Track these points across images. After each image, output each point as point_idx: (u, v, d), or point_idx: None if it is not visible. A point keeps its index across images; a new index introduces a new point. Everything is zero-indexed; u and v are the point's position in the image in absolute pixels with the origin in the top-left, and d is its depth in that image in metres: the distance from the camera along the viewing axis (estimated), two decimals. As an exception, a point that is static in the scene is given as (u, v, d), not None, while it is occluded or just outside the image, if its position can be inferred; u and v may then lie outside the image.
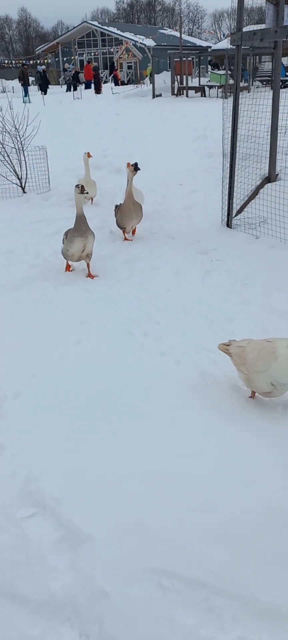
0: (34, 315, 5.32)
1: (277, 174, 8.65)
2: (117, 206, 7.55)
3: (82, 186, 6.09)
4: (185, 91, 29.91)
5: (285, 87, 22.72)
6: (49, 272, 6.41)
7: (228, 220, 7.77)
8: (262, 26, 8.63)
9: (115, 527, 2.80)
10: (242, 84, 23.49)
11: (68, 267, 6.44)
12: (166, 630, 2.33)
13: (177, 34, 44.90)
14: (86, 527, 2.80)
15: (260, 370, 3.64)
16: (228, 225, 7.75)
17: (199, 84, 32.15)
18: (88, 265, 6.30)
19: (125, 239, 7.56)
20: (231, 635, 2.31)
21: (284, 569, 2.56)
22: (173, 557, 2.63)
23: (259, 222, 7.53)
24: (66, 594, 2.50)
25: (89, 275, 6.25)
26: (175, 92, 30.73)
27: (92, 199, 9.28)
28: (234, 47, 7.12)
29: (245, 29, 7.42)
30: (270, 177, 8.54)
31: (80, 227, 6.08)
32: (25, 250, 7.16)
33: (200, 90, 30.59)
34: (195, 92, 30.44)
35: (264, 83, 28.96)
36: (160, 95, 30.30)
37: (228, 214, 7.77)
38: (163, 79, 34.95)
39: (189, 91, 29.87)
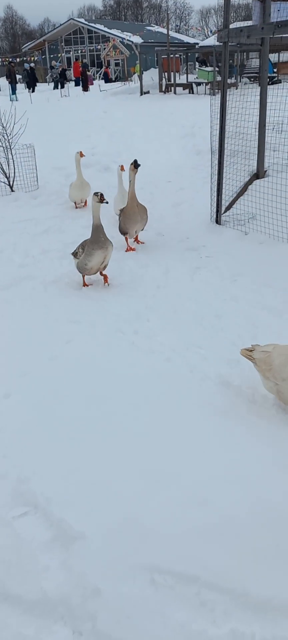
0: (23, 315, 5.31)
1: (266, 170, 8.68)
2: (120, 212, 7.11)
3: (102, 194, 5.60)
4: (172, 88, 29.92)
5: (272, 83, 22.83)
6: (38, 271, 6.39)
7: (217, 216, 7.80)
8: (249, 23, 8.66)
9: (108, 525, 2.81)
10: (230, 81, 23.58)
11: (85, 283, 5.95)
12: (159, 626, 2.34)
13: (164, 30, 44.92)
14: (78, 526, 2.80)
15: None
16: (217, 221, 7.78)
17: (187, 81, 32.20)
18: (101, 272, 5.94)
19: (128, 248, 7.01)
20: (223, 628, 2.33)
21: (275, 563, 2.58)
22: (166, 553, 2.64)
23: (248, 218, 7.57)
24: (59, 592, 2.50)
25: (105, 279, 5.94)
26: (163, 89, 30.74)
27: (85, 202, 9.11)
28: (221, 43, 7.14)
29: (232, 26, 7.44)
30: (259, 174, 8.58)
31: (99, 239, 5.63)
32: (13, 250, 7.14)
33: (188, 87, 30.62)
34: (183, 89, 30.46)
35: (252, 80, 29.04)
36: (148, 92, 30.29)
37: (217, 211, 7.80)
38: (151, 76, 34.98)
39: (177, 88, 29.89)
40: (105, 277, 5.94)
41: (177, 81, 31.27)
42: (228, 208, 8.11)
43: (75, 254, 5.85)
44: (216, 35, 7.49)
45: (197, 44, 48.74)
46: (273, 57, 28.14)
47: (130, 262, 6.56)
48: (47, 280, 6.09)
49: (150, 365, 4.33)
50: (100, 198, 5.56)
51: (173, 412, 3.72)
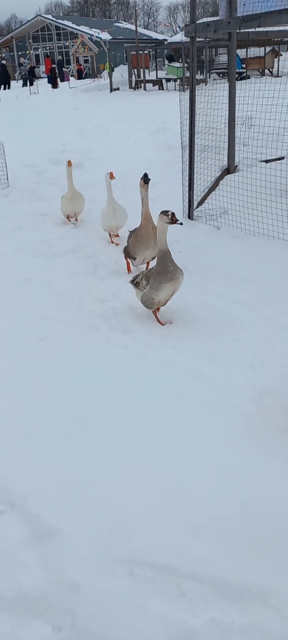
0: (-4, 314, 5.24)
1: (236, 165, 8.76)
2: (131, 233, 6.10)
3: (173, 213, 4.53)
4: (142, 84, 29.91)
5: (241, 79, 23.02)
6: (9, 268, 6.33)
7: (189, 212, 7.84)
8: (216, 18, 8.72)
9: (85, 520, 2.81)
10: (199, 77, 23.61)
11: (160, 320, 4.99)
12: (138, 618, 2.35)
13: (133, 27, 44.83)
14: (55, 522, 2.79)
15: None
16: (190, 217, 7.82)
17: (157, 77, 32.21)
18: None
19: (129, 270, 6.19)
20: (202, 617, 2.35)
21: (252, 552, 2.61)
22: (144, 546, 2.65)
23: (220, 213, 7.63)
24: (37, 589, 2.49)
25: (158, 321, 4.97)
26: (133, 86, 30.71)
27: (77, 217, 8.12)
28: (189, 39, 7.17)
29: (199, 22, 7.48)
30: (230, 169, 8.65)
31: (168, 268, 4.67)
32: (-15, 248, 7.04)
33: (158, 83, 30.65)
34: (153, 86, 30.48)
35: (221, 75, 29.26)
36: (117, 89, 30.19)
37: (190, 206, 7.84)
38: (121, 72, 34.91)
39: (147, 84, 29.89)
40: (157, 309, 5.00)
41: (147, 77, 31.26)
42: (200, 203, 8.16)
43: (136, 284, 5.00)
44: (184, 30, 7.51)
45: (166, 40, 48.79)
46: (242, 53, 28.40)
47: (103, 258, 6.55)
48: (20, 278, 6.03)
49: (126, 361, 4.33)
50: (172, 218, 4.53)
51: (151, 407, 3.73)
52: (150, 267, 5.71)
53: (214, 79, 26.81)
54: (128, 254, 6.04)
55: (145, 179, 5.70)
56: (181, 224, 4.61)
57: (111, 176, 6.74)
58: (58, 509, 2.88)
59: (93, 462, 3.23)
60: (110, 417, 3.63)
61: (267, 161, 8.48)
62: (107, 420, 3.60)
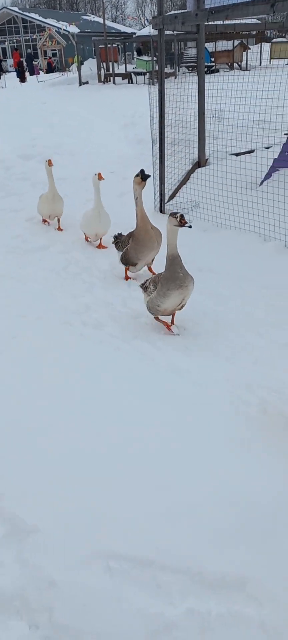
0: None
1: (207, 159, 8.81)
2: (116, 237, 5.89)
3: (182, 215, 4.30)
4: (112, 78, 29.81)
5: (210, 72, 23.15)
6: (-20, 266, 6.24)
7: (161, 205, 7.86)
8: (185, 11, 8.73)
9: (61, 516, 2.79)
10: (168, 70, 23.61)
11: (158, 319, 4.80)
12: (115, 612, 2.36)
13: (101, 20, 44.53)
14: (31, 519, 2.77)
15: None
16: (161, 210, 7.84)
17: (126, 71, 32.17)
18: (173, 314, 4.74)
19: (127, 277, 5.78)
20: (179, 608, 2.36)
21: (228, 540, 2.64)
22: (120, 540, 2.66)
23: (191, 206, 7.67)
24: (14, 587, 2.47)
25: (171, 324, 4.73)
26: (102, 79, 30.59)
27: (59, 220, 7.58)
28: (157, 31, 7.17)
29: (167, 14, 7.49)
30: (200, 162, 8.70)
31: (177, 274, 4.41)
32: None
33: (127, 76, 30.61)
34: (122, 79, 30.44)
35: (190, 69, 29.36)
36: (86, 82, 30.04)
37: (161, 200, 7.86)
38: (89, 66, 34.74)
39: (116, 78, 29.81)
40: (172, 321, 4.75)
41: (116, 71, 31.19)
42: (172, 197, 8.19)
43: (144, 288, 4.77)
44: (152, 23, 7.50)
45: (134, 33, 48.64)
46: (211, 46, 28.54)
47: (76, 254, 6.50)
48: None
49: (100, 355, 4.32)
50: (180, 220, 4.28)
51: (126, 399, 3.73)
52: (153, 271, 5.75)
53: (184, 73, 26.87)
54: (128, 261, 5.62)
55: (143, 176, 5.29)
56: (190, 226, 4.32)
57: (99, 177, 6.33)
58: (33, 506, 2.86)
59: (67, 459, 3.21)
60: (85, 412, 3.62)
61: (237, 154, 8.56)
62: (83, 415, 3.58)
